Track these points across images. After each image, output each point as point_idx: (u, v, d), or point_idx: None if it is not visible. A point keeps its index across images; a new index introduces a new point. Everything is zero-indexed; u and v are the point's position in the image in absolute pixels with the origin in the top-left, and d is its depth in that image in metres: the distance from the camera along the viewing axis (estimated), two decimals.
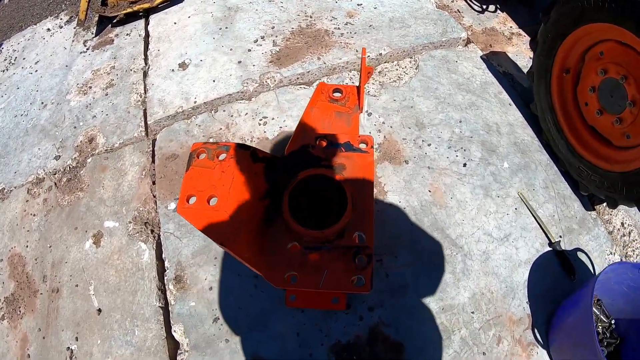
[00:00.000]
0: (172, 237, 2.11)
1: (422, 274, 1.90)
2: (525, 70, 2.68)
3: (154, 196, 2.30)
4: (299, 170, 1.33)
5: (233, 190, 1.22)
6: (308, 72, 2.67)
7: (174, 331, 1.87)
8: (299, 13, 3.13)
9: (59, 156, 2.67)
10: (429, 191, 2.12)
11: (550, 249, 1.98)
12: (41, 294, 2.18)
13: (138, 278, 2.04)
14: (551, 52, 2.10)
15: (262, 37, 2.96)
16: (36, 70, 3.38)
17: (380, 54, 2.72)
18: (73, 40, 3.50)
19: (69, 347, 1.98)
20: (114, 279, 2.07)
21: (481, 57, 2.77)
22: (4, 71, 3.53)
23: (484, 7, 3.20)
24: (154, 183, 2.35)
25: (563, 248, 1.96)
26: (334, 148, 1.39)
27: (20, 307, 2.19)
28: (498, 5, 3.20)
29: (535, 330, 1.82)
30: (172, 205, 2.22)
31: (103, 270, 2.11)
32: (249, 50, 2.89)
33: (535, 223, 2.04)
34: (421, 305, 1.83)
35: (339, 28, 2.96)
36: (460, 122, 2.37)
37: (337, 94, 1.56)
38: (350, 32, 2.91)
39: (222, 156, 1.30)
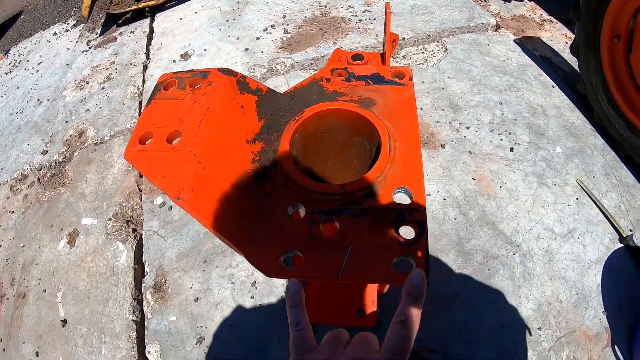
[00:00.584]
0: (155, 237, 1.61)
1: (473, 281, 1.36)
2: (562, 55, 2.22)
3: (140, 190, 1.83)
4: (307, 106, 0.85)
5: (206, 125, 0.73)
6: (323, 56, 2.23)
7: (148, 352, 1.36)
8: (312, 3, 2.71)
9: (46, 151, 2.24)
10: (473, 179, 1.60)
11: (622, 245, 1.45)
12: (7, 299, 1.70)
13: (111, 284, 1.54)
14: (597, 17, 1.64)
15: (272, 26, 2.55)
16: (37, 71, 3.02)
17: (404, 39, 2.27)
18: (77, 41, 3.15)
19: None
20: (84, 285, 1.58)
21: (514, 40, 2.30)
22: (7, 74, 3.18)
23: None
24: (141, 176, 1.89)
25: (636, 243, 1.44)
26: (357, 81, 0.91)
27: None
28: None
29: (616, 348, 1.28)
30: (159, 200, 1.74)
31: (74, 273, 1.63)
32: (258, 38, 2.47)
33: (601, 215, 1.51)
34: (474, 323, 1.29)
35: (356, 15, 2.53)
36: (500, 104, 1.87)
37: (357, 61, 1.09)
38: (369, 19, 2.47)
39: (198, 86, 0.82)
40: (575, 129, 1.79)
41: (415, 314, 0.47)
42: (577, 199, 1.55)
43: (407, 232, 0.65)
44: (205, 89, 0.80)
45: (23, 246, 1.84)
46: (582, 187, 1.58)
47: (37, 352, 1.49)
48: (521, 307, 1.31)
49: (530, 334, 1.28)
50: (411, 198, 0.69)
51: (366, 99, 0.84)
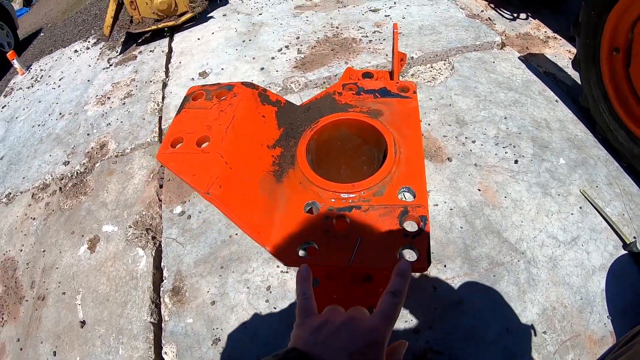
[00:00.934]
0: (174, 244, 1.70)
1: (479, 286, 1.42)
2: (566, 70, 2.29)
3: (160, 199, 1.92)
4: (322, 116, 0.93)
5: (232, 131, 0.82)
6: (335, 75, 2.34)
7: (165, 353, 1.42)
8: (324, 25, 2.84)
9: (68, 162, 2.36)
10: (479, 190, 1.67)
11: (626, 251, 1.49)
12: (27, 300, 1.79)
13: (130, 288, 1.62)
14: (596, 31, 1.72)
15: (287, 47, 2.67)
16: (59, 86, 3.17)
17: (412, 58, 2.38)
18: (98, 59, 3.31)
19: None
20: (104, 288, 1.66)
21: (519, 57, 2.39)
22: (29, 87, 3.34)
23: (515, 15, 2.87)
24: (160, 186, 1.99)
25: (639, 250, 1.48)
26: (366, 94, 0.99)
27: (3, 314, 1.80)
28: (529, 14, 2.86)
29: None
30: (178, 209, 1.83)
31: (94, 277, 1.71)
32: (273, 58, 2.59)
33: (605, 223, 1.56)
34: (480, 327, 1.34)
35: (366, 36, 2.65)
36: (505, 118, 1.95)
37: (367, 79, 1.19)
38: (379, 39, 2.59)
39: (224, 98, 0.93)
40: (579, 141, 1.85)
41: (403, 288, 0.56)
42: (580, 207, 1.61)
43: (410, 226, 0.73)
44: (231, 100, 0.90)
45: (44, 251, 1.93)
46: (585, 196, 1.63)
47: (54, 352, 1.56)
48: (526, 311, 1.36)
49: (536, 337, 1.33)
50: (414, 196, 0.77)
51: (374, 110, 0.93)
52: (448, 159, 1.79)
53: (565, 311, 1.36)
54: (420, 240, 0.70)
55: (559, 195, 1.64)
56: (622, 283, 1.42)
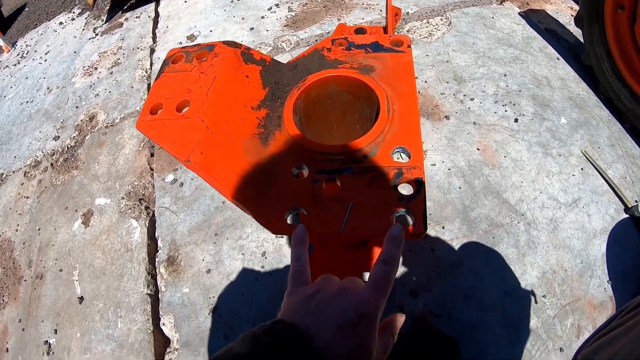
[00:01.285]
0: (167, 212, 1.66)
1: (478, 248, 1.38)
2: (568, 28, 2.18)
3: (151, 169, 1.86)
4: (309, 74, 0.86)
5: (213, 94, 0.76)
6: (327, 33, 2.23)
7: (163, 324, 1.41)
8: None
9: (58, 137, 2.29)
10: (478, 149, 1.61)
11: (628, 215, 1.45)
12: (25, 280, 1.76)
13: (126, 260, 1.59)
14: None
15: (277, 5, 2.54)
16: (45, 60, 3.05)
17: (408, 13, 2.26)
18: (83, 29, 3.17)
19: (46, 341, 1.55)
20: (99, 262, 1.63)
21: (519, 13, 2.28)
22: (15, 65, 3.22)
23: None
24: (151, 155, 1.93)
25: None
26: (357, 49, 0.92)
27: (4, 295, 1.78)
28: None
29: None
30: (170, 177, 1.78)
31: (89, 252, 1.68)
32: (262, 17, 2.47)
33: (606, 185, 1.51)
34: (479, 289, 1.31)
35: None
36: (504, 75, 1.86)
37: (359, 35, 1.10)
38: None
39: (204, 59, 0.85)
40: (581, 101, 1.77)
41: (396, 255, 0.52)
42: (582, 169, 1.55)
43: (405, 189, 0.68)
44: (212, 60, 0.83)
45: (39, 229, 1.90)
46: (587, 157, 1.58)
47: (55, 330, 1.55)
48: (526, 274, 1.33)
49: (535, 302, 1.30)
50: (409, 157, 0.71)
51: (365, 66, 0.86)
52: (446, 117, 1.72)
53: (566, 275, 1.33)
54: (416, 203, 0.65)
55: (560, 155, 1.59)
56: (623, 247, 1.39)
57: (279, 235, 1.49)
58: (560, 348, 1.24)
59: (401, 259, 1.33)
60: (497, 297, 1.30)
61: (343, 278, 1.25)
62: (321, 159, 0.71)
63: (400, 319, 0.55)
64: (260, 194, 0.70)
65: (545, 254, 1.37)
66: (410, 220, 0.64)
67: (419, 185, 0.67)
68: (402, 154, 0.71)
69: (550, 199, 1.48)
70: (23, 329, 1.63)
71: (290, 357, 0.42)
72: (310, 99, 0.85)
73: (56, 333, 1.55)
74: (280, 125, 0.77)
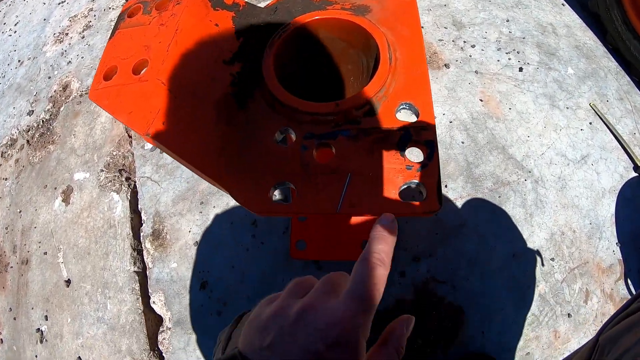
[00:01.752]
0: (148, 182, 1.53)
1: (483, 207, 1.28)
2: None
3: (129, 136, 1.71)
4: (292, 18, 0.71)
5: (175, 49, 0.61)
6: None
7: (153, 302, 1.31)
8: None
9: (32, 111, 2.12)
10: (481, 100, 1.47)
11: (637, 174, 1.35)
12: (11, 267, 1.65)
13: (110, 237, 1.47)
14: None
15: None
16: (15, 32, 2.80)
17: None
18: None
19: (38, 329, 1.46)
20: (83, 242, 1.52)
21: None
22: None
23: None
24: None
25: None
26: None
27: None
28: None
29: (629, 281, 1.21)
30: (150, 144, 1.64)
31: (72, 231, 1.56)
32: None
33: (615, 142, 1.39)
34: (484, 253, 1.22)
35: None
36: (507, 21, 1.70)
37: None
38: None
39: (165, 9, 0.69)
40: (588, 50, 1.62)
41: (385, 252, 0.38)
42: (590, 123, 1.43)
43: (414, 155, 0.55)
44: (173, 9, 0.67)
45: (20, 212, 1.77)
46: (595, 111, 1.45)
47: (46, 316, 1.46)
48: (533, 236, 1.24)
49: (543, 265, 1.21)
50: (417, 115, 0.58)
51: (360, 6, 0.70)
52: (445, 65, 1.57)
53: (574, 236, 1.24)
54: (428, 173, 0.52)
55: (567, 108, 1.46)
56: (632, 208, 1.29)
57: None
58: (568, 314, 1.17)
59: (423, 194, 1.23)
60: (504, 260, 1.21)
61: (342, 245, 1.11)
62: (310, 120, 0.58)
63: (405, 323, 0.41)
64: (239, 167, 0.57)
65: (553, 214, 1.27)
66: (423, 193, 0.51)
67: (430, 149, 0.54)
68: (408, 112, 0.58)
69: (558, 155, 1.36)
70: (14, 318, 1.54)
71: None
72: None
73: (47, 320, 1.46)
74: (259, 82, 0.63)
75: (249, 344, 0.36)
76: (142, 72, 0.62)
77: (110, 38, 0.70)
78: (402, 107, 0.58)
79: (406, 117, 0.58)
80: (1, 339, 1.55)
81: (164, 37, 0.64)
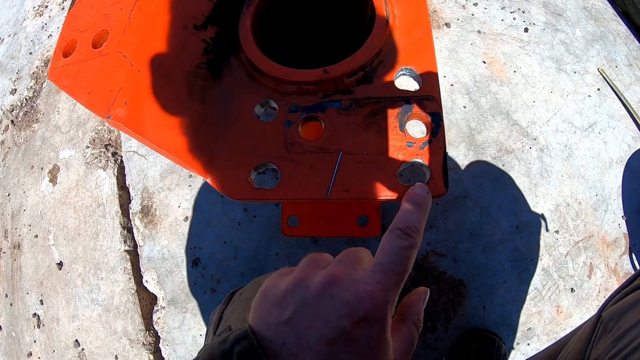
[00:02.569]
0: (135, 157, 1.44)
1: (486, 177, 1.20)
2: None
3: None
4: None
5: (138, 16, 0.52)
6: None
7: (146, 281, 1.26)
8: None
9: (15, 90, 2.00)
10: (484, 62, 1.36)
11: None
12: (4, 252, 1.60)
13: (99, 216, 1.40)
14: None
15: None
16: None
17: None
18: None
19: (35, 313, 1.42)
20: (72, 222, 1.45)
21: None
22: None
23: None
24: None
25: None
26: None
27: None
28: None
29: (634, 256, 1.16)
30: None
31: (61, 212, 1.49)
32: None
33: (624, 110, 1.30)
34: (487, 224, 1.15)
35: None
36: None
37: None
38: None
39: None
40: (597, 12, 1.50)
41: (419, 223, 0.34)
42: (598, 89, 1.33)
43: (417, 129, 0.47)
44: None
45: (9, 195, 1.69)
46: (603, 76, 1.35)
47: (41, 300, 1.42)
48: (538, 207, 1.17)
49: (548, 237, 1.15)
50: (420, 83, 0.49)
51: None
52: (446, 24, 1.45)
53: (580, 208, 1.17)
54: (433, 151, 0.44)
55: (574, 72, 1.36)
56: (639, 180, 1.22)
57: (260, 171, 1.30)
58: (572, 288, 1.12)
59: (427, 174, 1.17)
60: (507, 232, 1.14)
61: (338, 221, 1.04)
62: (295, 90, 0.49)
63: (422, 296, 0.37)
64: (214, 148, 0.49)
65: (559, 185, 1.20)
66: (427, 175, 0.43)
67: (436, 122, 0.45)
68: (409, 79, 0.49)
69: (565, 122, 1.27)
70: (11, 304, 1.49)
71: None
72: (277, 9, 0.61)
73: (42, 304, 1.41)
74: (235, 48, 0.54)
75: (262, 319, 0.30)
76: (103, 45, 0.53)
77: (70, 9, 0.61)
78: (401, 73, 0.49)
79: (407, 85, 0.49)
80: (0, 326, 1.52)
81: (125, 3, 0.54)
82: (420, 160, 0.44)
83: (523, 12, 1.46)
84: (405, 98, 0.47)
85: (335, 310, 0.28)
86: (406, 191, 0.40)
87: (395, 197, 0.43)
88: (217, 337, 0.29)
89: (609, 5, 1.54)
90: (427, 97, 0.47)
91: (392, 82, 0.49)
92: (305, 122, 0.48)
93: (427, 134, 0.46)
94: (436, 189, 0.42)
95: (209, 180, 0.48)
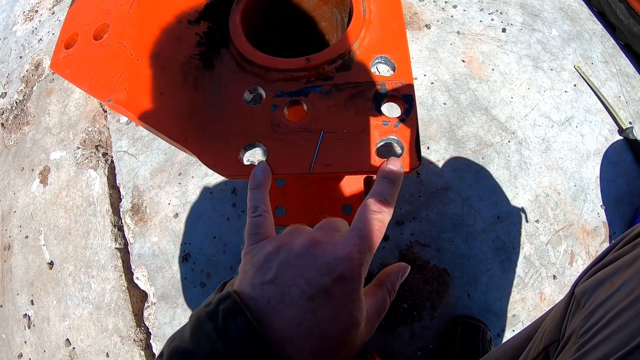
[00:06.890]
0: (125, 157, 1.48)
1: (467, 169, 1.26)
2: None
3: (104, 110, 1.66)
4: None
5: (137, 11, 0.57)
6: None
7: (137, 278, 1.29)
8: None
9: (5, 93, 2.03)
10: (463, 61, 1.44)
11: (622, 137, 1.33)
12: None
13: (89, 215, 1.43)
14: None
15: None
16: None
17: None
18: None
19: (25, 314, 1.43)
20: (63, 222, 1.48)
21: None
22: None
23: None
24: None
25: (636, 136, 1.32)
26: None
27: None
28: None
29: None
30: (125, 117, 1.59)
31: (52, 212, 1.52)
32: None
33: (600, 104, 1.37)
34: (469, 215, 1.21)
35: None
36: None
37: None
38: None
39: None
40: (573, 12, 1.58)
41: (390, 194, 0.39)
42: (574, 85, 1.41)
43: (391, 110, 0.52)
44: None
45: None
46: (580, 73, 1.42)
47: (32, 301, 1.43)
48: (517, 198, 1.23)
49: (528, 226, 1.21)
50: (394, 69, 0.54)
51: None
52: (426, 26, 1.52)
53: (559, 198, 1.23)
54: (406, 128, 0.49)
55: (551, 70, 1.43)
56: (617, 171, 1.29)
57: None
58: (554, 275, 1.17)
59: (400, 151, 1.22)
60: (488, 223, 1.20)
61: (321, 209, 1.09)
62: (280, 77, 0.54)
63: (401, 270, 0.41)
64: (207, 131, 0.54)
65: (537, 176, 1.26)
66: (398, 150, 0.49)
67: (409, 104, 0.51)
68: (384, 66, 0.55)
69: (542, 117, 1.34)
70: (1, 306, 1.51)
71: (239, 352, 0.28)
72: (265, 5, 0.66)
73: (33, 304, 1.43)
74: (226, 41, 0.59)
75: (246, 281, 0.34)
76: (104, 37, 0.58)
77: (70, 5, 0.65)
78: (377, 60, 0.55)
79: (383, 72, 0.54)
80: None
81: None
82: (395, 137, 0.49)
83: (501, 13, 1.54)
84: (381, 83, 0.53)
85: (316, 269, 0.33)
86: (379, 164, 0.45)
87: (372, 171, 0.48)
88: (203, 304, 0.33)
89: (585, 5, 1.62)
90: (401, 82, 0.52)
91: (369, 69, 0.54)
92: (290, 106, 0.53)
93: (401, 114, 0.51)
94: (410, 162, 0.48)
95: (201, 159, 0.53)
